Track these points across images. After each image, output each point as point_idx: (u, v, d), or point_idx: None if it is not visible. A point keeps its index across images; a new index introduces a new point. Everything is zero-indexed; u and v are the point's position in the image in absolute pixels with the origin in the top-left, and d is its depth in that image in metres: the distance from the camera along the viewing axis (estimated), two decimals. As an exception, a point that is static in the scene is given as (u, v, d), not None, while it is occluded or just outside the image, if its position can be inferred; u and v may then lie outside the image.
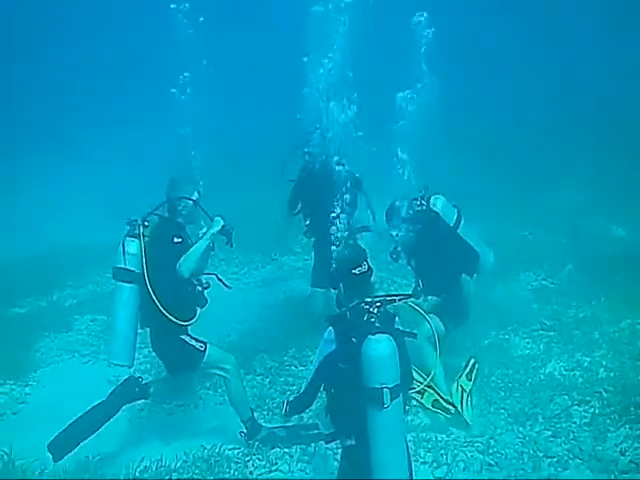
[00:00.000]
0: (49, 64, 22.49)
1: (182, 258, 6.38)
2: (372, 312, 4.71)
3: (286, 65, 8.03)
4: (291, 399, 5.23)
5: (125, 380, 6.80)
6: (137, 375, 7.47)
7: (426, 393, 6.88)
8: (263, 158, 11.33)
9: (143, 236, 6.52)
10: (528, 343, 8.47)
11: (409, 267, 7.92)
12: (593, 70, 18.68)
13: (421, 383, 6.50)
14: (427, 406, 6.89)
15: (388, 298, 4.94)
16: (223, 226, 6.71)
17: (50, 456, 6.31)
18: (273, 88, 16.27)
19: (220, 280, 6.96)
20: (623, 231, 11.70)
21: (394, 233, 7.47)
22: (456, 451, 6.51)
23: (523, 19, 20.91)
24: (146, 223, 6.60)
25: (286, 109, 8.52)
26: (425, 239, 7.43)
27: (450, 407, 6.88)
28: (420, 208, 7.40)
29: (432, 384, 6.83)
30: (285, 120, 8.68)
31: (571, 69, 18.92)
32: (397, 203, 7.47)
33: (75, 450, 6.34)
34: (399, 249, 7.57)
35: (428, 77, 7.40)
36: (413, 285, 7.78)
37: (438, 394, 6.91)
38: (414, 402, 6.78)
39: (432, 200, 7.41)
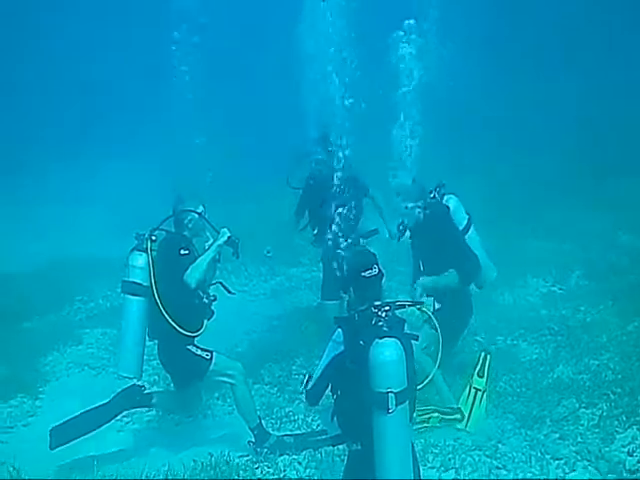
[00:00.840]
0: (58, 73, 22.64)
1: (189, 269, 6.46)
2: (380, 316, 4.72)
3: (292, 65, 8.06)
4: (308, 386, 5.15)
5: (128, 387, 6.89)
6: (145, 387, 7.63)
7: (431, 419, 6.94)
8: (270, 167, 11.35)
9: (151, 250, 6.61)
10: (536, 348, 8.47)
11: (410, 247, 7.67)
12: (599, 72, 18.62)
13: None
14: (437, 425, 6.94)
15: (398, 303, 4.96)
16: (229, 237, 6.78)
17: (56, 466, 6.49)
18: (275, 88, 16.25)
19: (224, 287, 7.04)
20: (629, 236, 11.68)
21: (404, 205, 7.29)
22: (464, 455, 6.50)
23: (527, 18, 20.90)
24: (153, 237, 6.69)
25: (292, 111, 8.54)
26: (431, 225, 7.27)
27: (457, 415, 6.96)
28: (433, 201, 7.35)
29: (434, 407, 6.97)
30: (291, 124, 8.73)
31: (577, 71, 18.87)
32: (412, 182, 7.37)
33: (70, 444, 6.53)
34: (406, 223, 7.39)
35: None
36: (412, 267, 7.64)
37: (441, 412, 6.97)
38: (424, 427, 6.83)
39: (445, 197, 7.39)
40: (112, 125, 19.54)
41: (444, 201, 7.39)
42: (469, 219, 7.49)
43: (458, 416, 6.97)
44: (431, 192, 7.38)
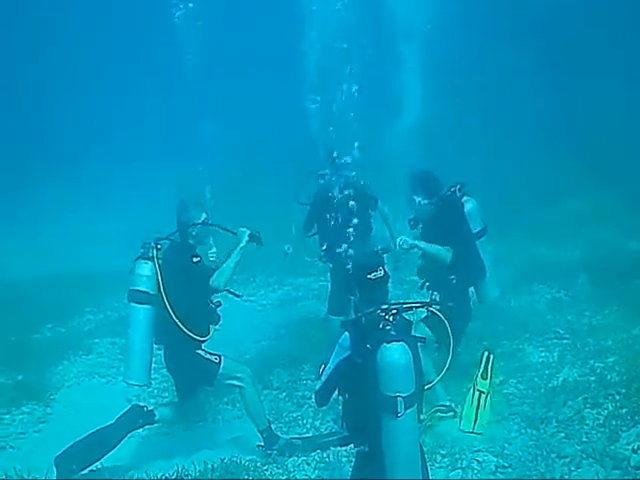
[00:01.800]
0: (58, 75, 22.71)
1: (216, 273, 6.61)
2: (388, 319, 4.72)
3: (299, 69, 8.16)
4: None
5: (129, 409, 6.88)
6: (155, 394, 7.71)
7: (433, 419, 7.05)
8: (278, 178, 11.45)
9: (157, 258, 6.68)
10: (542, 352, 8.49)
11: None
12: (606, 76, 18.55)
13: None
14: (436, 423, 7.06)
15: (405, 305, 4.93)
16: (250, 235, 6.88)
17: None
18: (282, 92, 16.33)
19: (230, 292, 7.12)
20: (635, 242, 11.72)
21: (417, 199, 7.26)
22: (471, 455, 6.55)
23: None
24: (159, 246, 6.77)
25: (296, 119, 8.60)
26: (443, 220, 7.22)
27: (452, 412, 7.13)
28: (448, 196, 7.30)
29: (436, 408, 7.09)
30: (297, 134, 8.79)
31: (584, 74, 18.83)
32: (424, 174, 7.34)
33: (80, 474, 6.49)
34: (418, 217, 7.35)
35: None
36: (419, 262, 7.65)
37: (439, 411, 7.10)
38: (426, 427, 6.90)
39: (465, 198, 7.32)
40: (113, 128, 19.67)
41: (462, 200, 7.32)
42: (484, 228, 7.46)
43: (452, 413, 7.12)
44: (451, 187, 7.35)
